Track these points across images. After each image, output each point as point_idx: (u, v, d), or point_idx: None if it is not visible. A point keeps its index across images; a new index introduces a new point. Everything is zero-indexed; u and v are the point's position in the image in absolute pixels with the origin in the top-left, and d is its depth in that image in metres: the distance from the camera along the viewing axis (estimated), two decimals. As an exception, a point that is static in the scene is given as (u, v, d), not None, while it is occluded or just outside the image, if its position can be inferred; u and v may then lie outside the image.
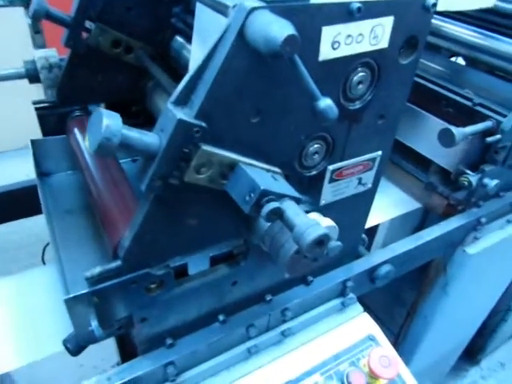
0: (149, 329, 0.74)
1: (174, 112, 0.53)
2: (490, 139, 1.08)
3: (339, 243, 0.61)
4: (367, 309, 0.98)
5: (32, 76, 0.97)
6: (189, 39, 0.85)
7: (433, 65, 1.35)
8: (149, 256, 0.65)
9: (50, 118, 0.99)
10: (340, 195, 0.82)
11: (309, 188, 0.75)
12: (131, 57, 0.97)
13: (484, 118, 1.11)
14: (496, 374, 2.21)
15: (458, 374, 2.17)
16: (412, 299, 1.46)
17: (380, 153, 0.81)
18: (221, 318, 0.81)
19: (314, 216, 0.69)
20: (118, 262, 0.63)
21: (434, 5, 0.66)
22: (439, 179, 1.25)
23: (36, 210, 0.93)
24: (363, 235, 1.00)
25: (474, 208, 1.21)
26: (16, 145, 2.86)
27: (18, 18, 2.83)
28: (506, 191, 1.27)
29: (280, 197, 0.58)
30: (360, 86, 0.68)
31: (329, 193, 0.79)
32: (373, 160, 0.81)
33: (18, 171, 1.47)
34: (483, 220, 1.19)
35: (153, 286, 0.69)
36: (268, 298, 0.85)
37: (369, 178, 0.84)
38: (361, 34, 0.62)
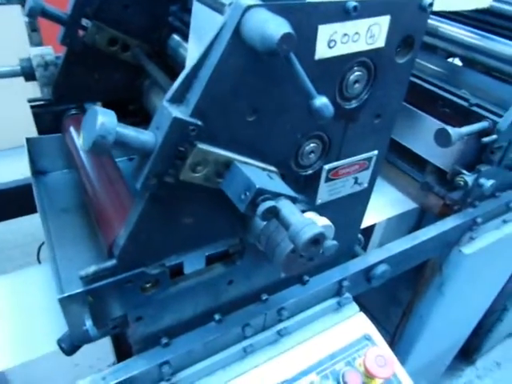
0: (144, 328, 0.74)
1: (169, 110, 0.53)
2: (486, 139, 1.08)
3: (335, 242, 0.61)
4: (363, 308, 0.98)
5: (27, 74, 0.97)
6: (186, 37, 0.85)
7: (429, 65, 1.36)
8: (144, 255, 0.65)
9: (45, 116, 0.99)
10: (336, 194, 0.82)
11: (305, 187, 0.75)
12: (128, 55, 0.97)
13: (480, 118, 1.11)
14: (492, 373, 2.21)
15: (454, 374, 2.18)
16: (408, 299, 1.46)
17: (376, 152, 0.81)
18: (217, 317, 0.81)
19: (310, 215, 0.69)
20: (113, 261, 0.63)
21: (431, 4, 0.66)
22: (435, 179, 1.25)
23: (31, 209, 0.93)
24: (359, 235, 1.00)
25: (470, 208, 1.21)
26: (11, 143, 2.84)
27: (15, 16, 2.82)
28: (501, 191, 1.28)
29: (276, 196, 0.58)
30: (356, 85, 0.68)
31: (325, 192, 0.79)
32: (369, 159, 0.81)
33: (14, 170, 1.46)
34: (479, 220, 1.20)
35: (148, 285, 0.68)
36: (264, 297, 0.85)
37: (365, 177, 0.84)
38: (357, 33, 0.62)
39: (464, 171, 1.13)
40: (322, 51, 0.60)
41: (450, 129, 1.01)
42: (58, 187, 0.96)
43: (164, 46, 0.98)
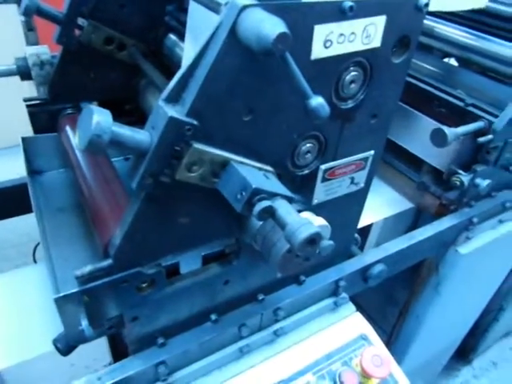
0: (140, 328, 0.74)
1: (165, 109, 0.53)
2: (481, 139, 1.08)
3: (331, 242, 0.61)
4: (360, 308, 0.98)
5: (23, 73, 0.96)
6: (182, 37, 0.85)
7: (425, 65, 1.36)
8: (140, 254, 0.65)
9: (41, 116, 0.98)
10: (332, 194, 0.82)
11: (301, 187, 0.75)
12: (124, 54, 0.97)
13: (476, 118, 1.11)
14: (488, 373, 2.22)
15: (450, 374, 2.18)
16: (404, 299, 1.47)
17: (372, 152, 0.81)
18: (213, 317, 0.81)
19: (307, 215, 0.69)
20: (109, 261, 0.63)
21: (427, 5, 0.66)
22: (431, 179, 1.25)
23: (27, 209, 0.92)
24: (356, 235, 1.00)
25: (466, 208, 1.21)
26: (7, 143, 2.83)
27: (11, 15, 2.81)
28: (497, 191, 1.28)
29: (272, 195, 0.58)
30: (352, 85, 0.68)
31: (321, 192, 0.79)
32: (365, 159, 0.81)
33: (9, 170, 1.45)
34: (475, 220, 1.20)
35: (144, 284, 0.68)
36: (260, 297, 0.85)
37: (361, 177, 0.84)
38: (353, 33, 0.62)
39: (460, 171, 1.13)
40: (317, 51, 0.60)
41: (445, 129, 1.01)
42: (53, 187, 0.95)
43: (160, 45, 0.98)
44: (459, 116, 1.15)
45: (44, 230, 0.82)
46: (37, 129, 1.00)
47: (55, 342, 0.71)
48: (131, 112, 1.08)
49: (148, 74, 0.92)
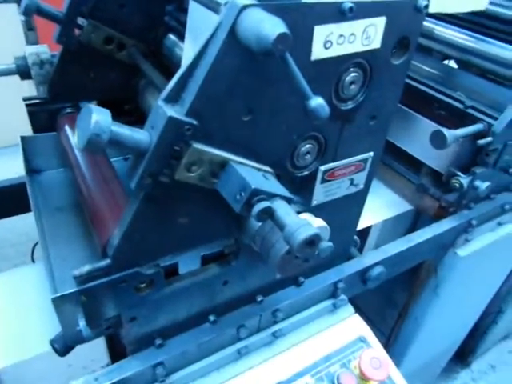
0: (138, 329, 0.74)
1: (164, 109, 0.53)
2: (481, 142, 1.08)
3: (330, 244, 0.61)
4: (358, 310, 0.98)
5: (23, 72, 0.96)
6: (182, 37, 0.85)
7: (425, 67, 1.36)
8: (138, 255, 0.64)
9: (40, 115, 0.98)
10: (332, 196, 0.82)
11: (300, 188, 0.75)
12: (123, 54, 0.97)
13: (475, 120, 1.11)
14: (486, 376, 2.22)
15: (449, 376, 2.18)
16: (403, 301, 1.47)
17: (372, 154, 0.81)
18: (211, 318, 0.80)
19: (306, 216, 0.69)
20: (107, 261, 0.62)
21: (426, 6, 0.66)
22: (431, 181, 1.25)
23: (25, 208, 0.92)
24: (355, 237, 1.00)
25: (465, 210, 1.21)
26: (6, 142, 2.83)
27: (11, 14, 2.81)
28: (496, 193, 1.28)
29: (271, 196, 0.58)
30: (352, 86, 0.68)
31: (320, 193, 0.79)
32: (365, 161, 0.81)
33: (8, 169, 1.45)
34: (474, 222, 1.20)
35: (142, 285, 0.68)
36: (259, 298, 0.85)
37: (361, 178, 0.84)
38: (353, 34, 0.62)
39: (459, 173, 1.13)
40: (317, 52, 0.60)
41: (445, 131, 1.01)
42: (52, 186, 0.95)
43: (160, 45, 0.98)
44: (459, 118, 1.15)
45: (42, 229, 0.82)
46: (36, 128, 1.00)
47: (53, 342, 0.71)
48: (131, 112, 1.08)
49: (147, 74, 0.92)
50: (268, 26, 0.47)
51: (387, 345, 1.57)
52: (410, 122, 1.22)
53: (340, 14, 0.59)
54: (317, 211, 0.75)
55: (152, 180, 0.56)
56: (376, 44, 0.66)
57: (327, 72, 0.64)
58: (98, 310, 0.67)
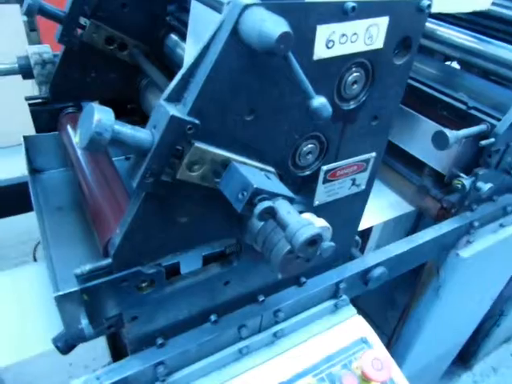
0: (139, 328, 0.74)
1: (166, 108, 0.53)
2: (483, 142, 1.08)
3: (332, 244, 0.61)
4: (360, 311, 0.98)
5: (25, 72, 0.97)
6: (183, 37, 0.85)
7: (428, 68, 1.36)
8: (140, 254, 0.64)
9: (43, 115, 0.99)
10: (334, 196, 0.82)
11: (302, 188, 0.75)
12: (125, 54, 0.97)
13: (478, 121, 1.11)
14: (488, 379, 2.21)
15: (451, 379, 2.17)
16: (405, 302, 1.46)
17: (374, 154, 0.81)
18: (212, 318, 0.80)
19: (308, 216, 0.69)
20: (109, 260, 0.62)
21: (429, 6, 0.66)
22: (432, 182, 1.25)
23: (27, 207, 0.92)
24: (357, 237, 1.00)
25: (467, 211, 1.21)
26: (9, 141, 2.84)
27: (14, 15, 2.82)
28: (499, 195, 1.28)
29: (273, 196, 0.58)
30: (354, 86, 0.68)
31: (322, 193, 0.79)
32: (367, 161, 0.81)
33: (12, 169, 1.45)
34: (476, 224, 1.20)
35: (144, 284, 0.68)
36: (260, 298, 0.85)
37: (363, 179, 0.84)
38: (355, 34, 0.62)
39: (461, 174, 1.13)
40: (320, 51, 0.60)
41: (447, 131, 1.01)
42: (54, 185, 0.95)
43: (161, 45, 0.98)
44: (461, 119, 1.15)
45: (44, 228, 0.82)
46: (39, 127, 1.00)
47: (55, 340, 0.71)
48: (133, 111, 1.08)
49: (149, 73, 0.92)
50: (270, 25, 0.47)
51: (389, 346, 1.57)
52: (413, 123, 1.22)
53: (342, 14, 0.59)
54: (319, 211, 0.75)
55: (154, 179, 0.56)
56: (378, 44, 0.65)
57: (329, 71, 0.64)
58: (100, 308, 0.66)
